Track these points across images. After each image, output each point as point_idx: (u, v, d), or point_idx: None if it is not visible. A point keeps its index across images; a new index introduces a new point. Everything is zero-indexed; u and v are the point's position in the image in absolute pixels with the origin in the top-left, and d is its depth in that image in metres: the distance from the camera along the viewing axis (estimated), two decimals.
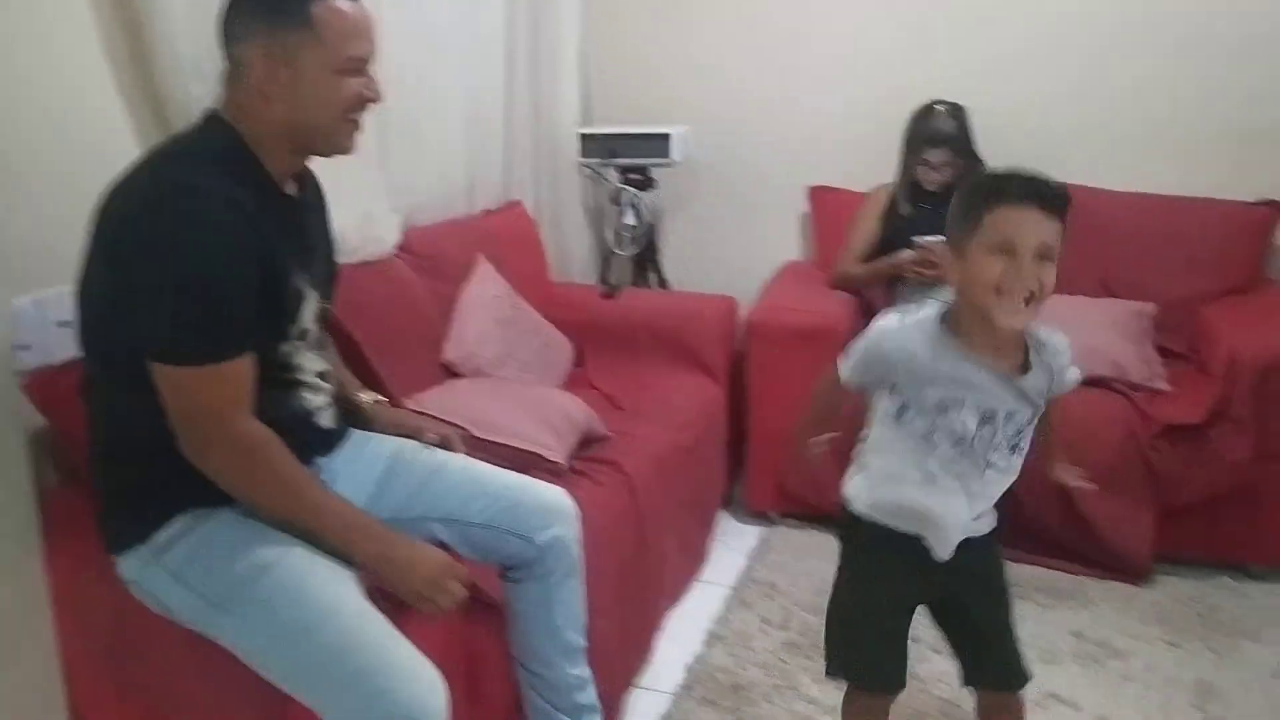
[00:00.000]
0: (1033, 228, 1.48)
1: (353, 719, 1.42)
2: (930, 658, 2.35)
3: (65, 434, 1.75)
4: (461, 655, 1.78)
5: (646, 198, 3.46)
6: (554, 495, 1.86)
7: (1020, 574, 2.77)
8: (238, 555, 1.51)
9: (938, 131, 3.05)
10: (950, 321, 1.59)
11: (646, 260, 3.55)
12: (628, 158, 3.43)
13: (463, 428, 2.19)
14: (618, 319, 3.15)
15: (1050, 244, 1.49)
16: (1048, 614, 2.60)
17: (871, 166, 3.27)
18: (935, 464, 1.61)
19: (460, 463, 1.86)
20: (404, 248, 2.68)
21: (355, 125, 1.61)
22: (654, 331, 3.10)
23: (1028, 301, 1.50)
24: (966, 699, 1.95)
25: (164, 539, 1.54)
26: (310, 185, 1.73)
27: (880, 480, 1.68)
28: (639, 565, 2.38)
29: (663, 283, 3.59)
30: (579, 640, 1.89)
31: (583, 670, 1.90)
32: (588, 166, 3.54)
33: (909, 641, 1.74)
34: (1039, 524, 2.79)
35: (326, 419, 1.74)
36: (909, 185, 3.17)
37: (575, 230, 3.65)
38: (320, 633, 1.45)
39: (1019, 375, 1.59)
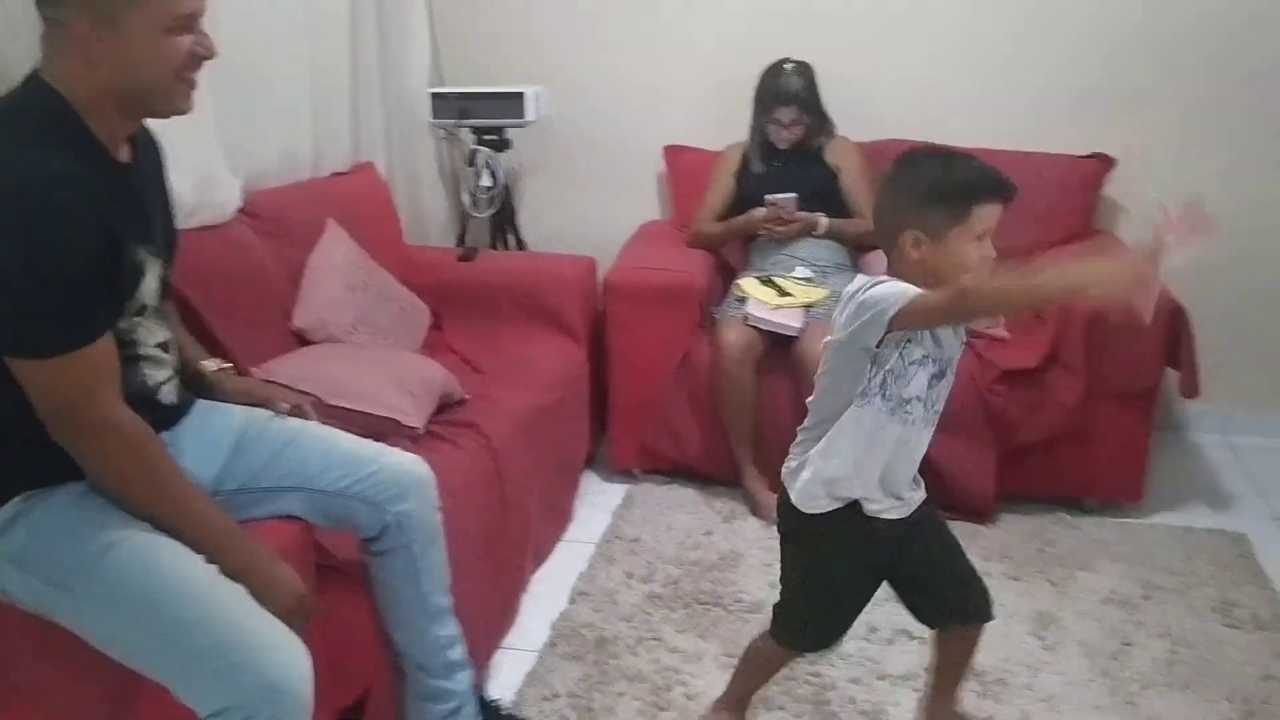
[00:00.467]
0: (997, 216, 1.67)
1: (212, 693, 1.39)
2: None
3: None
4: (320, 626, 1.75)
5: (502, 159, 3.43)
6: (410, 464, 1.85)
7: None
8: (80, 535, 1.46)
9: (786, 90, 3.10)
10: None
11: (504, 222, 3.52)
12: (481, 118, 3.38)
13: (314, 395, 2.15)
14: (476, 282, 3.12)
15: None
16: None
17: (726, 125, 3.31)
18: (904, 431, 1.68)
19: (314, 431, 1.82)
20: (246, 211, 2.58)
21: (190, 84, 1.54)
22: (513, 293, 3.08)
23: None
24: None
25: None
26: (146, 148, 1.64)
27: (843, 476, 1.70)
28: (502, 527, 2.38)
29: (521, 244, 3.57)
30: (445, 601, 1.89)
31: (451, 629, 1.91)
32: (441, 128, 3.48)
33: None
34: None
35: (169, 393, 1.68)
36: (761, 143, 3.22)
37: (430, 193, 3.59)
38: (172, 607, 1.41)
39: None
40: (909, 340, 1.63)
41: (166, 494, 1.49)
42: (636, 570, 2.66)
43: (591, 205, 3.71)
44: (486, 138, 3.42)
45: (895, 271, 1.68)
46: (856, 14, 3.43)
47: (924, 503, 1.79)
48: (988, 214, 1.65)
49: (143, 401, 1.59)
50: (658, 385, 3.03)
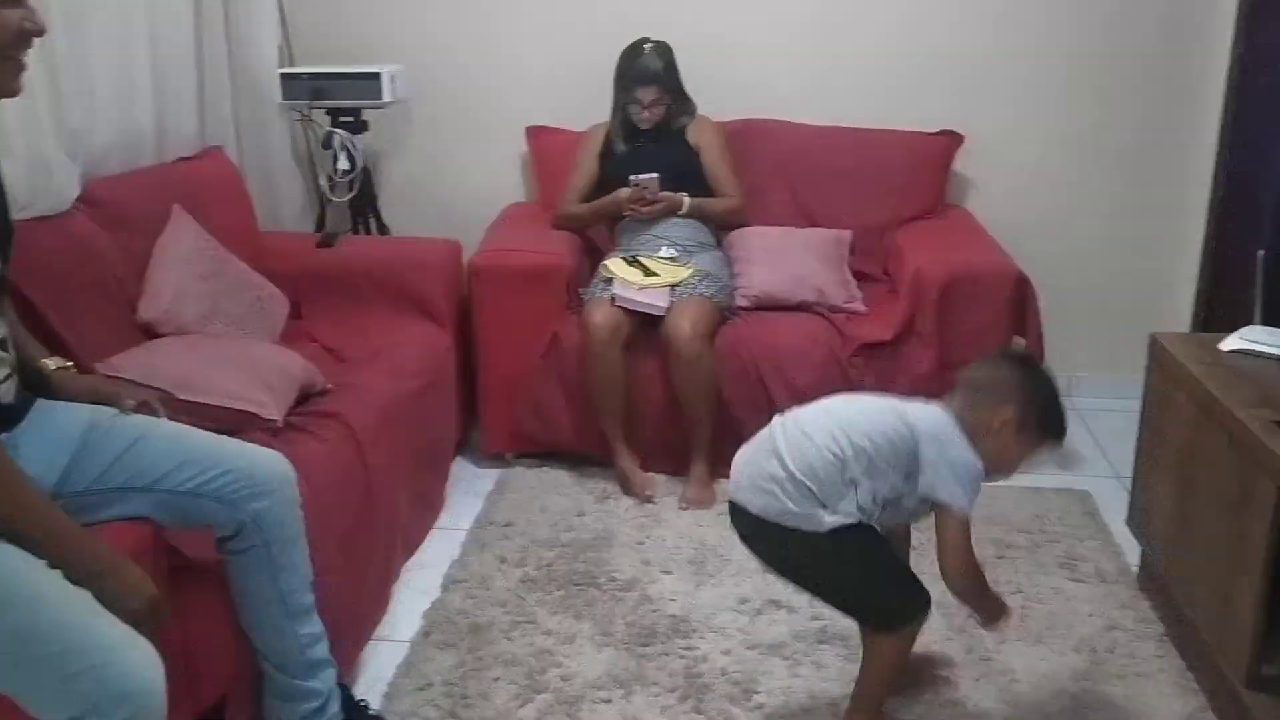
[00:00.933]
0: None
1: (59, 703, 1.33)
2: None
3: None
4: (175, 628, 1.70)
5: (360, 141, 3.35)
6: (267, 460, 1.80)
7: None
8: None
9: (646, 70, 3.12)
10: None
11: (364, 206, 3.44)
12: (336, 99, 3.29)
13: (164, 391, 2.07)
14: (336, 268, 3.04)
15: None
16: None
17: (589, 105, 3.31)
18: None
19: (162, 429, 1.76)
20: (86, 200, 2.46)
21: (18, 64, 1.46)
22: (375, 279, 3.02)
23: None
24: None
25: None
26: None
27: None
28: (368, 518, 2.34)
29: (382, 229, 3.49)
30: (307, 599, 1.85)
31: (313, 627, 1.87)
32: (294, 109, 3.38)
33: None
34: None
35: (8, 392, 1.60)
36: (623, 124, 3.23)
37: (285, 177, 3.48)
38: (13, 614, 1.35)
39: None
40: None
41: (6, 497, 1.42)
42: (510, 555, 2.65)
43: (455, 188, 3.66)
44: (343, 119, 3.34)
45: (970, 416, 1.88)
46: None
47: None
48: (1044, 452, 1.95)
49: None
50: (527, 369, 3.02)
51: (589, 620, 2.39)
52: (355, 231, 3.44)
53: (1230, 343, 2.29)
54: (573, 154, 3.30)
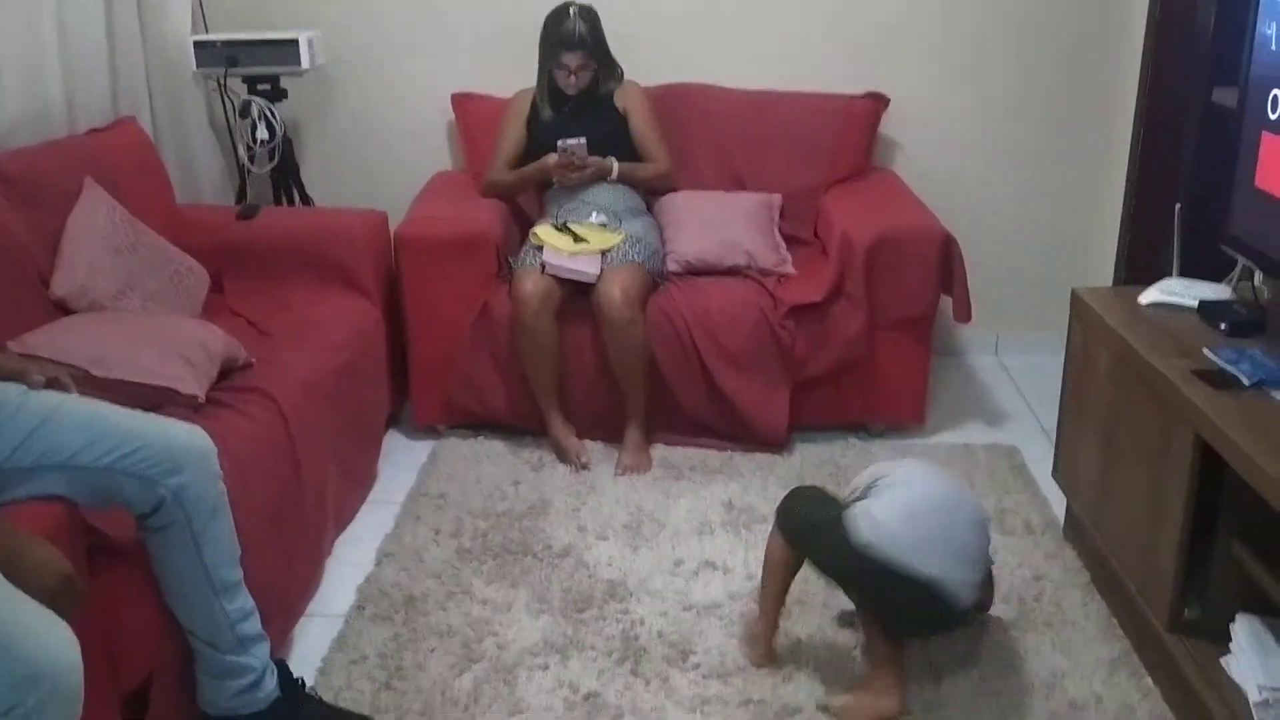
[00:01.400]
0: None
1: None
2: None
3: None
4: (96, 609, 1.65)
5: (279, 110, 3.26)
6: (185, 435, 1.75)
7: (674, 456, 2.95)
8: None
9: (571, 35, 3.07)
10: None
11: (286, 177, 3.35)
12: (252, 67, 3.20)
13: (79, 368, 2.01)
14: (258, 241, 2.97)
15: None
16: (701, 490, 2.78)
17: (514, 71, 3.25)
18: None
19: (74, 405, 1.71)
20: None
21: None
22: (299, 252, 2.95)
23: None
24: None
25: None
26: None
27: None
28: (297, 493, 2.30)
29: (306, 200, 3.42)
30: (234, 575, 1.82)
31: (243, 602, 1.83)
32: (209, 77, 3.28)
33: None
34: (688, 408, 2.97)
35: None
36: (549, 89, 3.18)
37: (202, 148, 3.38)
38: None
39: None
40: None
41: None
42: (444, 526, 2.63)
43: (379, 157, 3.59)
44: (260, 87, 3.25)
45: None
46: None
47: None
48: None
49: None
50: (457, 340, 2.98)
51: (525, 588, 2.38)
52: (277, 203, 3.36)
53: (1149, 296, 2.34)
54: (499, 121, 3.25)
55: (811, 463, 2.93)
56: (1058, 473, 2.59)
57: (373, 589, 2.39)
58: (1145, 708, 2.02)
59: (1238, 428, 1.77)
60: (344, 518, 2.68)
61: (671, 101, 3.34)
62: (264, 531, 2.08)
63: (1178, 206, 2.46)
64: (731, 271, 3.02)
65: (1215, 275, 2.39)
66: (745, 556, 2.49)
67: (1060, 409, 2.56)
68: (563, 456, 2.95)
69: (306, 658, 2.18)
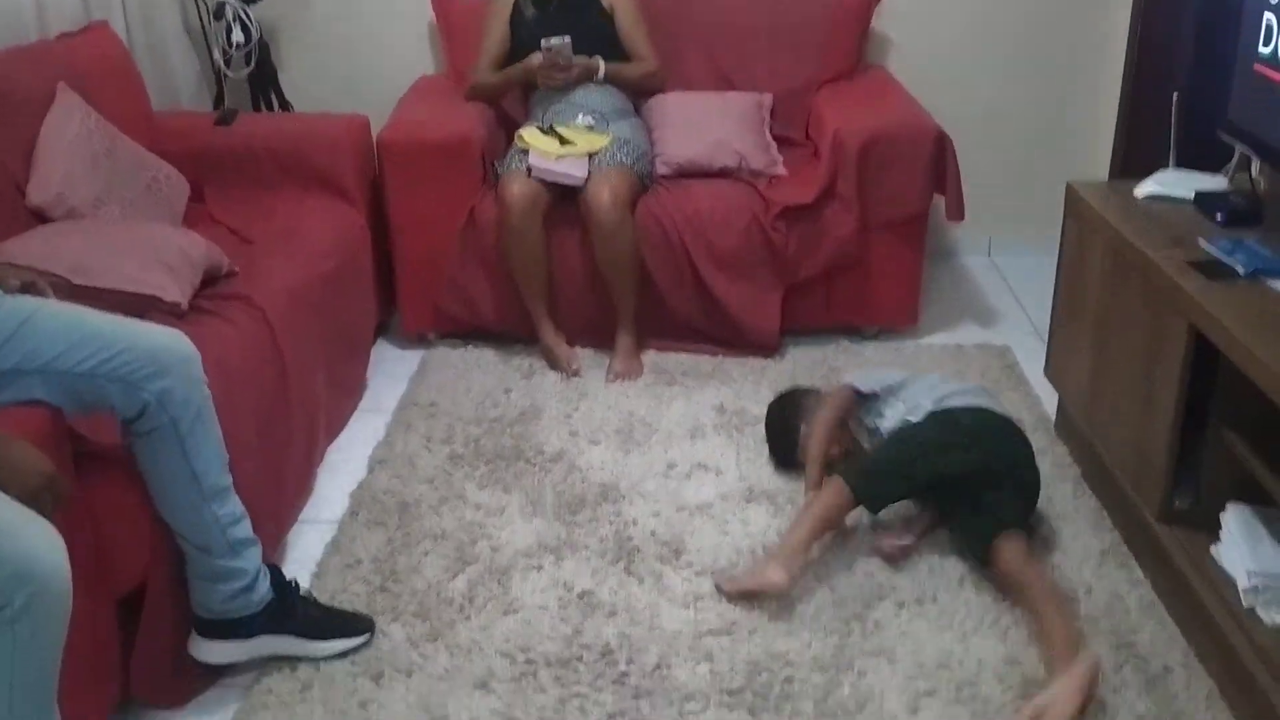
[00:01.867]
0: None
1: None
2: None
3: None
4: (85, 515, 1.65)
5: (255, 12, 3.17)
6: (166, 338, 1.72)
7: (666, 361, 2.94)
8: None
9: None
10: None
11: (264, 82, 3.28)
12: None
13: (59, 276, 1.98)
14: (237, 147, 2.90)
15: None
16: (694, 394, 2.77)
17: None
18: None
19: (52, 310, 1.67)
20: None
21: None
22: (279, 158, 2.89)
23: None
24: None
25: None
26: None
27: None
28: (285, 401, 2.28)
29: (284, 105, 3.34)
30: (224, 480, 1.81)
31: (233, 507, 1.82)
32: None
33: None
34: (679, 313, 2.94)
35: None
36: None
37: (178, 52, 3.28)
38: None
39: None
40: None
41: None
42: (435, 433, 2.62)
43: (359, 60, 3.50)
44: None
45: None
46: None
47: None
48: None
49: None
50: (444, 247, 2.94)
51: (518, 492, 2.39)
52: (256, 109, 3.29)
53: (1145, 188, 2.30)
54: (482, 22, 3.16)
55: (803, 365, 2.92)
56: (1050, 370, 2.58)
57: (365, 495, 2.39)
58: (1134, 596, 2.04)
59: (1233, 317, 1.76)
60: (335, 427, 2.67)
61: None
62: (252, 438, 2.06)
63: (1175, 96, 2.41)
64: (722, 173, 2.97)
65: (1213, 168, 2.35)
66: (737, 458, 2.49)
67: (1053, 305, 2.54)
68: (553, 364, 2.93)
69: (301, 563, 2.19)
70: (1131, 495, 2.12)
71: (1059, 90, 3.52)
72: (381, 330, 3.15)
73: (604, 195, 2.78)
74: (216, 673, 1.91)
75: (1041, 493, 2.27)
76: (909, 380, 2.34)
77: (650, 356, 2.96)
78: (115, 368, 1.62)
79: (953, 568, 2.11)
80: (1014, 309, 3.31)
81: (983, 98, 3.50)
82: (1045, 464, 2.43)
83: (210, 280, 2.33)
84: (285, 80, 3.38)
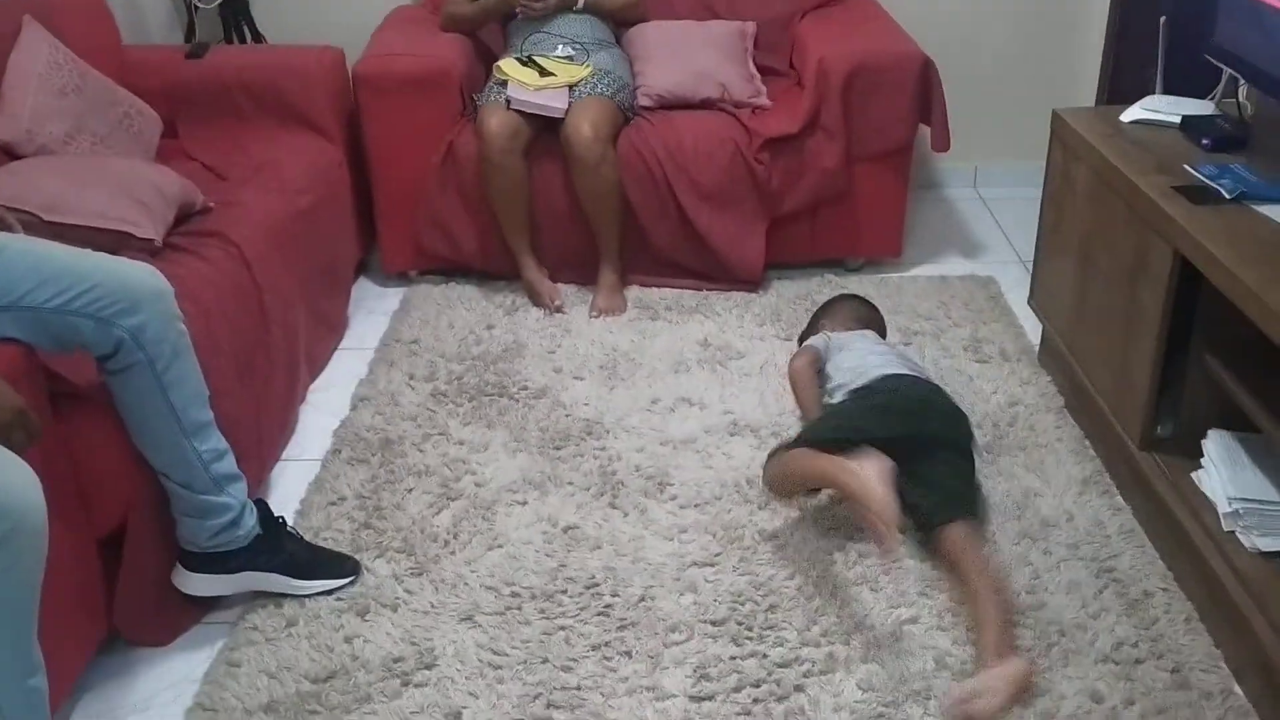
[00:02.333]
0: None
1: None
2: None
3: None
4: (63, 455, 1.63)
5: None
6: (139, 273, 1.69)
7: (649, 297, 2.92)
8: None
9: None
10: None
11: (236, 14, 3.19)
12: None
13: (30, 213, 1.94)
14: (210, 81, 2.84)
15: None
16: (678, 329, 2.76)
17: None
18: None
19: (20, 246, 1.64)
20: None
21: None
22: (252, 92, 2.83)
23: None
24: None
25: None
26: None
27: None
28: (264, 338, 2.26)
29: (257, 37, 3.26)
30: (204, 415, 1.79)
31: (216, 443, 1.81)
32: None
33: None
34: (662, 248, 2.91)
35: None
36: None
37: None
38: None
39: None
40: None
41: None
42: (418, 370, 2.61)
43: None
44: None
45: None
46: None
47: None
48: None
49: None
50: (424, 182, 2.90)
51: (501, 428, 2.38)
52: (228, 41, 3.21)
53: (1131, 114, 2.27)
54: None
55: (787, 299, 2.90)
56: (1034, 299, 2.58)
57: (348, 433, 2.38)
58: (1115, 523, 2.05)
59: (1218, 241, 1.74)
60: (316, 364, 2.65)
61: None
62: (231, 376, 2.04)
63: (1163, 20, 2.37)
64: (705, 104, 2.93)
65: (1200, 93, 2.33)
66: (722, 392, 2.49)
67: (1038, 233, 2.52)
68: (536, 300, 2.91)
69: (285, 500, 2.18)
70: (1114, 423, 2.13)
71: (1046, 17, 3.46)
72: (362, 268, 3.12)
73: (584, 128, 2.74)
74: (201, 610, 1.91)
75: (1023, 421, 2.28)
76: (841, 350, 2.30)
77: (633, 291, 2.94)
78: (87, 303, 1.59)
79: None
80: (999, 240, 3.30)
81: (968, 25, 3.44)
82: (1029, 394, 2.45)
83: (184, 217, 2.30)
84: (258, 12, 3.29)
